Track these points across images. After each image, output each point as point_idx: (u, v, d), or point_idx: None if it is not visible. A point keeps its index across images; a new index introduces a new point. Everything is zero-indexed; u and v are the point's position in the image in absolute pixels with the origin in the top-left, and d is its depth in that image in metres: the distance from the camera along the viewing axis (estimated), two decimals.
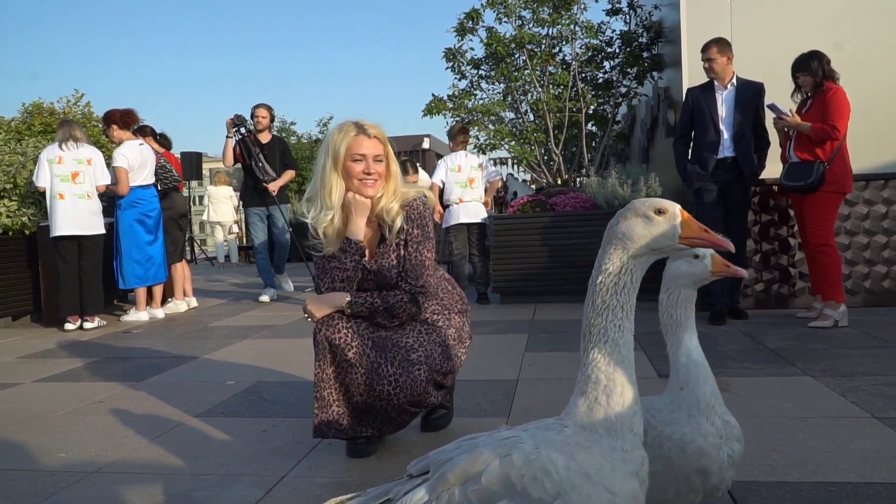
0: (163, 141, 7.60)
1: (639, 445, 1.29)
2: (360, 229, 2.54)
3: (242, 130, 7.30)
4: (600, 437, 1.26)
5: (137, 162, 6.37)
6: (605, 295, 1.34)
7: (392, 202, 2.56)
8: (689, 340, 1.74)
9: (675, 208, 1.34)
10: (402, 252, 2.58)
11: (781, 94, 5.03)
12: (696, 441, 1.57)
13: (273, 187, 7.36)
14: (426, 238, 2.59)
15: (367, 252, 2.59)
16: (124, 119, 6.52)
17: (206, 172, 17.91)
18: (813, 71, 4.78)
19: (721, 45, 5.09)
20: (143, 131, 7.21)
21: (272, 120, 7.68)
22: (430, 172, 8.20)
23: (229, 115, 7.32)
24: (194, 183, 15.79)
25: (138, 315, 6.51)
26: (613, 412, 1.27)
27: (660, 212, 1.34)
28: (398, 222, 2.55)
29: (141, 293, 6.54)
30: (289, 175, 7.60)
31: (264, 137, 7.49)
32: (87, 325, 6.10)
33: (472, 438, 1.34)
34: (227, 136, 7.29)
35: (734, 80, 5.11)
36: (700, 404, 1.63)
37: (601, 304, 1.34)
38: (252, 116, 7.45)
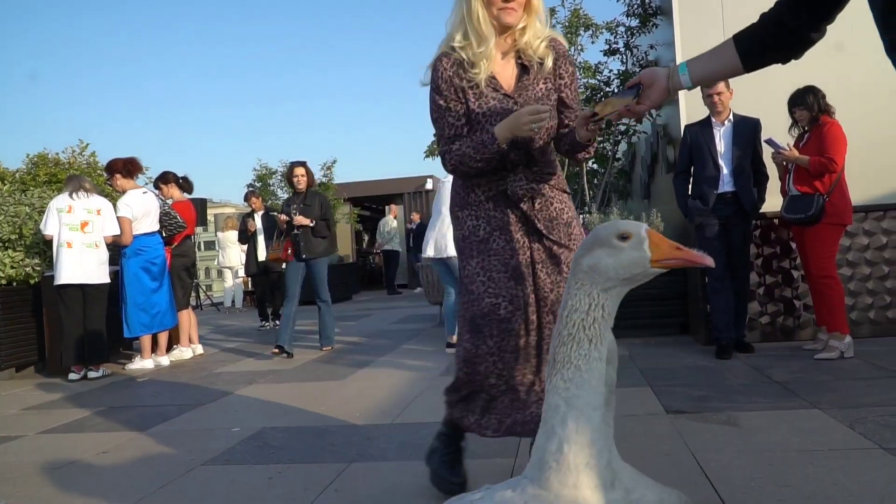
0: (185, 185, 7.55)
1: (595, 485, 1.17)
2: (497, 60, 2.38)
3: None
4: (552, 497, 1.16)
5: (141, 211, 6.43)
6: (573, 328, 1.24)
7: (537, 40, 2.39)
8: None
9: (640, 230, 1.22)
10: (563, 88, 2.44)
11: (778, 130, 5.09)
12: None
13: None
14: (575, 78, 2.50)
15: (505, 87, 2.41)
16: (127, 167, 6.60)
17: (210, 218, 17.99)
18: (809, 105, 4.85)
19: (727, 80, 5.15)
20: (166, 178, 7.30)
21: None
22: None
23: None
24: (199, 229, 15.87)
25: (143, 363, 6.49)
26: (571, 452, 1.16)
27: (624, 237, 1.21)
28: (549, 63, 2.40)
29: (146, 341, 6.54)
30: None
31: None
32: (92, 374, 6.08)
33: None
34: None
35: (731, 117, 5.17)
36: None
37: (567, 336, 1.24)
38: None
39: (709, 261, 1.18)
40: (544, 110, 2.17)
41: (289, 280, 6.77)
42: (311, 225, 6.68)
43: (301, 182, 6.86)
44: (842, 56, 5.79)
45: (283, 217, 6.82)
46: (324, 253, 6.83)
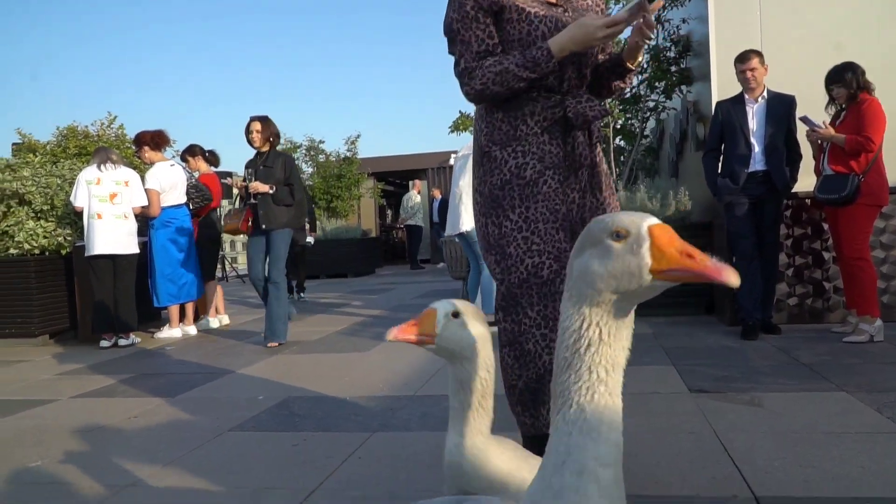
0: (211, 158, 7.56)
1: None
2: None
3: None
4: None
5: (168, 183, 6.50)
6: (566, 352, 0.98)
7: None
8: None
9: (640, 226, 0.90)
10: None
11: (812, 107, 4.98)
12: None
13: None
14: None
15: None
16: (155, 140, 6.66)
17: (235, 191, 18.12)
18: (847, 83, 4.73)
19: (761, 56, 5.05)
20: (193, 151, 7.36)
21: None
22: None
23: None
24: (224, 202, 15.96)
25: (171, 332, 6.60)
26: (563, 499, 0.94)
27: (618, 235, 0.90)
28: None
29: (174, 311, 6.64)
30: None
31: None
32: (122, 342, 6.21)
33: None
34: None
35: (765, 93, 5.07)
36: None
37: (563, 362, 0.98)
38: None
39: (731, 277, 0.84)
40: (621, 19, 1.92)
41: (251, 262, 5.75)
42: (271, 192, 5.62)
43: (256, 139, 5.69)
44: (879, 33, 5.64)
45: (241, 182, 5.88)
46: (287, 224, 5.74)
